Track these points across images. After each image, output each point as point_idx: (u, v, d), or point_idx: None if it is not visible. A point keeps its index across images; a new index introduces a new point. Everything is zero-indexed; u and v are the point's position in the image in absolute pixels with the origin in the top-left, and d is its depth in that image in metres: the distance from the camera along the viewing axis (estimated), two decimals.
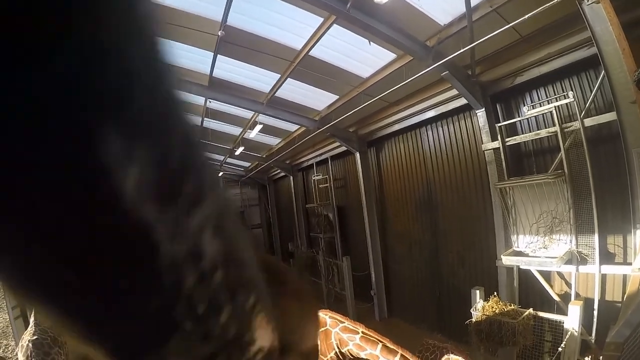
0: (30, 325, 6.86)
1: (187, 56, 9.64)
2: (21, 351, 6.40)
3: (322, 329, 4.29)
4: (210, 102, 12.12)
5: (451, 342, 9.20)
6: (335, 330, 4.27)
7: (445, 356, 4.71)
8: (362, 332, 4.18)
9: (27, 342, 6.36)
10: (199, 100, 12.34)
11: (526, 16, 5.03)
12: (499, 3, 6.01)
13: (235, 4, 7.30)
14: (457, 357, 4.71)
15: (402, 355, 3.98)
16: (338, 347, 4.22)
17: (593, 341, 6.18)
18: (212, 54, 9.21)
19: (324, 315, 4.48)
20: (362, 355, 4.13)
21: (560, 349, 6.02)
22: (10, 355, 9.44)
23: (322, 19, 7.56)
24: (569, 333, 6.06)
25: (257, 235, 25.97)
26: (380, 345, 4.09)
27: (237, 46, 8.82)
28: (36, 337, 6.44)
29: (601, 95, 6.13)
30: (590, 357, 5.96)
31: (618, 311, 5.87)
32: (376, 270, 12.63)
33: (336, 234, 15.52)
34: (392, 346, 4.09)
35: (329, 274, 14.56)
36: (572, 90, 6.40)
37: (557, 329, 6.36)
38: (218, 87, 10.93)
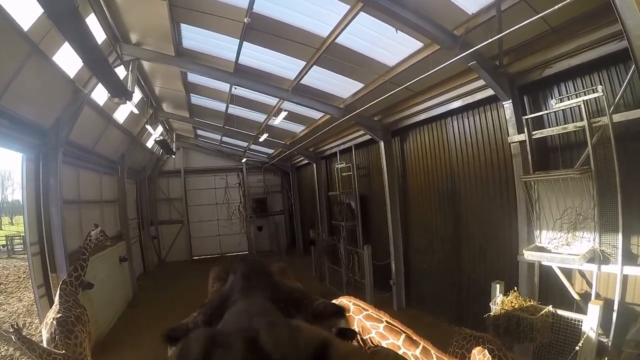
0: (54, 304, 7.12)
1: (213, 43, 9.74)
2: (45, 328, 6.68)
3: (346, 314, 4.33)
4: (235, 88, 12.26)
5: None
6: (359, 317, 4.30)
7: (478, 347, 4.74)
8: (386, 322, 4.20)
9: (51, 320, 6.62)
10: (224, 87, 12.48)
11: (556, 7, 4.85)
12: None
13: None
14: (490, 346, 4.76)
15: (424, 347, 3.99)
16: (360, 334, 4.26)
17: (610, 343, 6.05)
18: (238, 41, 9.28)
19: (348, 302, 4.52)
20: (384, 344, 4.16)
21: (577, 348, 5.93)
22: (34, 333, 9.81)
23: (348, 7, 7.51)
24: (587, 333, 5.95)
25: (278, 222, 26.24)
26: (403, 335, 4.09)
27: (262, 33, 8.87)
28: (60, 315, 6.68)
29: (631, 91, 5.89)
30: (606, 358, 5.85)
31: (638, 314, 5.75)
32: (396, 260, 12.63)
33: (358, 222, 15.57)
34: (415, 338, 4.10)
35: (349, 262, 14.64)
36: (601, 85, 6.15)
37: (575, 328, 6.23)
38: (243, 73, 11.03)
